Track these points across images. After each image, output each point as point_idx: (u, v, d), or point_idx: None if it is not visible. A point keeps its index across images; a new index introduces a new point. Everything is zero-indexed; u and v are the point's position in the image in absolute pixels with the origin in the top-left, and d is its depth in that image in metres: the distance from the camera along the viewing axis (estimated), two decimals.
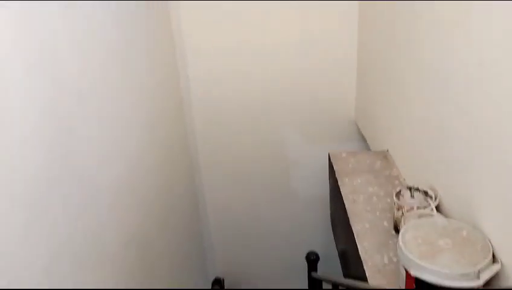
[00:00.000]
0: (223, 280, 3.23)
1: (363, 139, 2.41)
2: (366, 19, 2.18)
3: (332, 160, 1.92)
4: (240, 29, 2.39)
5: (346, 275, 1.78)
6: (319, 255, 2.36)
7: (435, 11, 1.34)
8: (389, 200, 1.61)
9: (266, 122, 2.63)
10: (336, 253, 2.03)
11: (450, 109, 1.27)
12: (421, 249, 1.07)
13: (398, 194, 1.43)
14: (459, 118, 1.22)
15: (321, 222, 2.74)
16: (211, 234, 3.02)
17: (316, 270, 2.36)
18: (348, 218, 1.57)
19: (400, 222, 1.36)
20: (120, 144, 1.56)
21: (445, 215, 1.31)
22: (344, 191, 1.71)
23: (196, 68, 2.46)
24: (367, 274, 1.30)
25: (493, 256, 1.04)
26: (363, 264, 1.34)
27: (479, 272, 0.99)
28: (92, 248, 1.27)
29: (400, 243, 1.11)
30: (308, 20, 2.35)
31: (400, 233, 1.14)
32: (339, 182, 1.76)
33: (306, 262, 2.34)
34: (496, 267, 1.00)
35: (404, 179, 1.71)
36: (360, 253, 1.39)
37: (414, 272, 1.05)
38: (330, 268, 2.44)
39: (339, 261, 1.97)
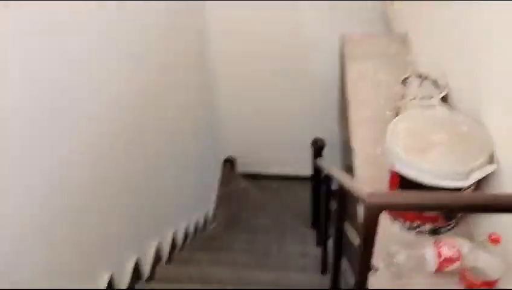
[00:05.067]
0: (235, 160, 3.27)
1: (388, 24, 2.16)
2: None
3: (343, 42, 1.73)
4: None
5: (344, 165, 1.71)
6: (327, 141, 2.29)
7: None
8: (397, 88, 1.45)
9: None
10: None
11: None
12: (410, 142, 0.96)
13: (405, 81, 1.28)
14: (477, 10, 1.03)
15: (333, 108, 2.62)
16: (224, 118, 2.97)
17: (321, 155, 2.30)
18: (349, 105, 1.44)
19: (401, 111, 1.22)
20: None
21: (452, 109, 1.17)
22: (350, 76, 1.55)
23: None
24: (355, 164, 1.22)
25: (492, 156, 0.91)
26: (354, 153, 1.25)
27: (470, 171, 0.88)
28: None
29: (389, 134, 0.99)
30: None
31: (392, 123, 1.02)
32: (346, 66, 1.60)
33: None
34: (490, 168, 0.88)
35: (420, 66, 1.52)
36: (353, 142, 1.29)
37: (397, 167, 0.94)
38: (338, 155, 2.38)
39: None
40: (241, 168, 3.27)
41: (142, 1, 1.55)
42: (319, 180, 2.19)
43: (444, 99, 1.19)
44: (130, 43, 1.49)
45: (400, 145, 0.95)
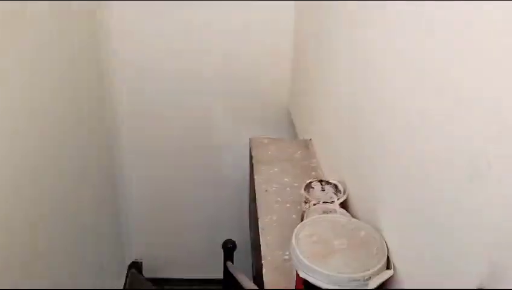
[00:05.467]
0: (141, 263, 3.08)
1: (295, 129, 2.32)
2: (302, 13, 2.06)
3: (252, 146, 1.81)
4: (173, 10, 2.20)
5: (254, 268, 1.69)
6: (239, 243, 2.27)
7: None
8: (301, 192, 1.51)
9: (196, 105, 2.49)
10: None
11: (364, 113, 1.20)
12: (313, 249, 0.98)
13: (308, 186, 1.34)
14: (370, 124, 1.16)
15: (244, 210, 2.64)
16: (129, 217, 2.84)
17: (232, 258, 2.26)
18: (257, 208, 1.46)
19: (305, 215, 1.26)
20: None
21: (352, 213, 1.23)
22: (258, 179, 1.60)
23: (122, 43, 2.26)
24: (264, 270, 1.21)
25: (388, 260, 0.96)
26: (262, 259, 1.24)
27: (369, 277, 0.91)
28: None
29: (293, 240, 1.00)
30: (246, 8, 2.21)
31: (295, 229, 1.04)
32: (254, 170, 1.65)
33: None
34: (387, 274, 0.92)
35: (322, 171, 1.62)
36: (262, 246, 1.29)
37: (302, 274, 0.95)
38: (249, 257, 2.35)
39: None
40: (148, 273, 3.07)
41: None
42: (229, 283, 2.12)
43: (345, 204, 1.25)
44: None
45: (303, 251, 0.97)
